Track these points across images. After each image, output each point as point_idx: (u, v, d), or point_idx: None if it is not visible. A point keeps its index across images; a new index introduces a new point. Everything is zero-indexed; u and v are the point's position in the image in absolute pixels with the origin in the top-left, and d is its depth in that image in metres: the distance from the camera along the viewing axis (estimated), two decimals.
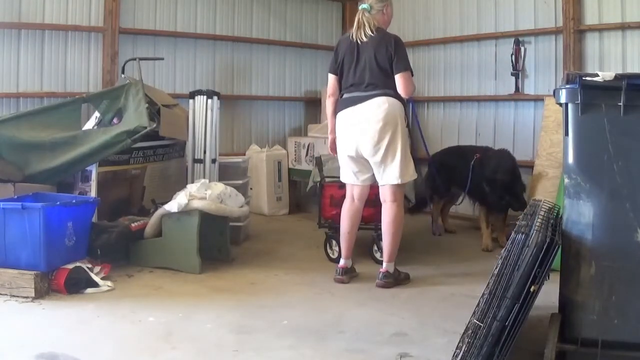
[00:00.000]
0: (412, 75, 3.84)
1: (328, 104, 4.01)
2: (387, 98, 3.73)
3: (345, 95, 3.86)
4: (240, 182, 5.16)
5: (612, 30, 5.12)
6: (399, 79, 3.72)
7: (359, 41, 3.79)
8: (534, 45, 5.71)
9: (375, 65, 3.74)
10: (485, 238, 4.91)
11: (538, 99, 5.63)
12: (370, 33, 3.76)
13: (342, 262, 3.99)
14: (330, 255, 4.47)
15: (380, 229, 4.42)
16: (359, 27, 3.80)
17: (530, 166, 5.44)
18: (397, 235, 3.88)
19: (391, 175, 3.79)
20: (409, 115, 3.93)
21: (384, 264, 3.87)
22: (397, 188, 3.83)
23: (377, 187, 4.48)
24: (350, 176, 3.97)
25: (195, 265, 4.05)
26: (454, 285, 3.88)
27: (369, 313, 3.37)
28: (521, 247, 2.26)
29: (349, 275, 3.96)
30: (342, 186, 4.19)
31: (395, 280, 3.87)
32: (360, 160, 3.86)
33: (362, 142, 3.77)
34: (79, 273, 3.62)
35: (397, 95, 3.76)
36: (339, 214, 4.34)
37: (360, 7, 3.86)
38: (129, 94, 4.67)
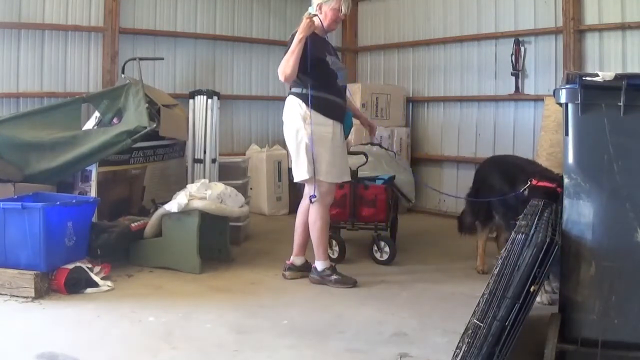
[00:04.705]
0: (295, 59, 3.62)
1: None
2: (288, 97, 3.81)
3: None
4: (240, 182, 5.16)
5: (612, 30, 5.12)
6: None
7: None
8: (534, 45, 5.71)
9: None
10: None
11: (538, 99, 5.63)
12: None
13: (291, 258, 4.03)
14: (330, 255, 4.46)
15: (380, 229, 4.44)
16: None
17: None
18: (315, 233, 3.82)
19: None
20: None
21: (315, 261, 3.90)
22: (308, 185, 3.79)
23: (376, 186, 4.50)
24: None
25: (195, 265, 4.05)
26: (454, 285, 3.88)
27: (369, 313, 3.37)
28: (521, 247, 2.26)
29: (292, 272, 3.99)
30: (342, 186, 4.20)
31: (322, 278, 3.84)
32: None
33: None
34: (79, 273, 3.62)
35: (297, 92, 3.74)
36: (338, 214, 4.37)
37: None
38: (129, 94, 4.67)
